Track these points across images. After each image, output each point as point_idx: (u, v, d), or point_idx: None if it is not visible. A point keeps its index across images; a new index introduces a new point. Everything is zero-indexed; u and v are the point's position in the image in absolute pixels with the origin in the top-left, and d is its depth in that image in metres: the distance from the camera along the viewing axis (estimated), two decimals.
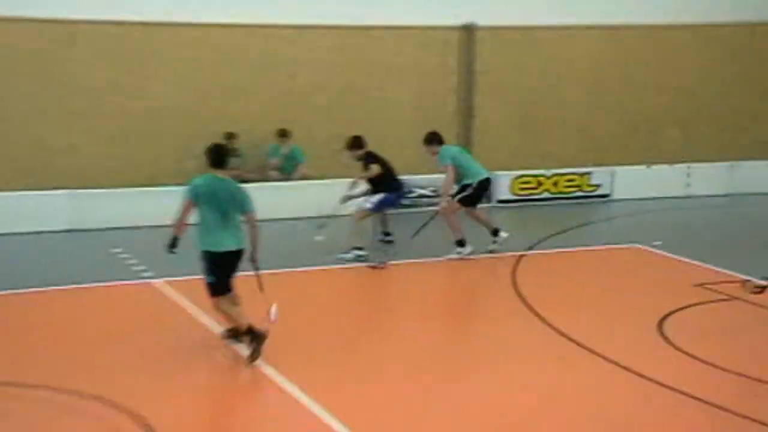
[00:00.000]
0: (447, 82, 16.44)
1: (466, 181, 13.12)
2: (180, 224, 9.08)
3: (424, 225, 13.38)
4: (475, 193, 12.99)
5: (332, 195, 13.37)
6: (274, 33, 15.28)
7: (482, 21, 16.14)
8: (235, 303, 8.81)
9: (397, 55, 15.91)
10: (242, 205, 9.13)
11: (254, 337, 8.53)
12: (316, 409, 7.65)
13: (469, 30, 16.19)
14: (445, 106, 16.24)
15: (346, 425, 7.38)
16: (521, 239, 13.71)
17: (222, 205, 9.03)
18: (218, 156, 9.24)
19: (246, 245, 8.92)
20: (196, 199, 9.01)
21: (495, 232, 12.88)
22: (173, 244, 9.08)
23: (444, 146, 13.43)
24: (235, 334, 8.80)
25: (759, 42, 18.25)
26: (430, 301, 11.92)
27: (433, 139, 13.09)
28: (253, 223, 9.16)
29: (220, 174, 9.12)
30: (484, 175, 13.29)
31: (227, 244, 8.92)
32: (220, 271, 8.93)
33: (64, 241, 14.06)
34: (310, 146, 15.46)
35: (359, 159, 12.74)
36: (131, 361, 8.85)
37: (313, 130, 15.42)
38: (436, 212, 13.45)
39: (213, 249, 8.89)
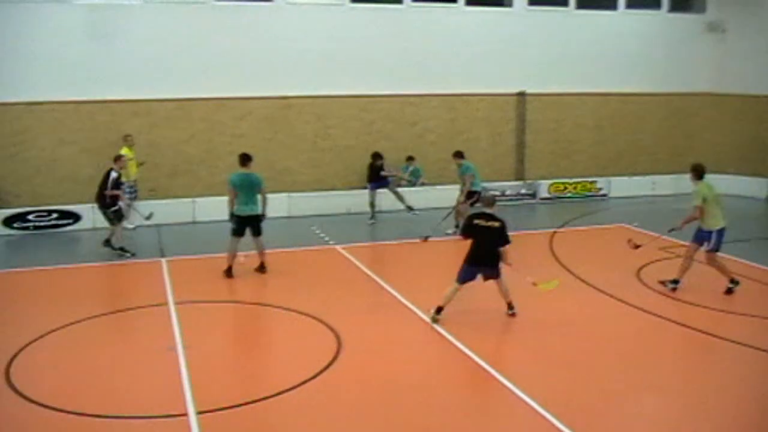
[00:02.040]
0: (508, 126, 21.26)
1: (474, 189, 16.26)
2: (231, 202, 13.03)
3: (449, 214, 16.97)
4: (477, 198, 15.52)
5: (440, 194, 18.99)
6: (404, 99, 20.11)
7: (530, 90, 21.12)
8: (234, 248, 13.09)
9: (479, 110, 20.87)
10: (259, 186, 13.12)
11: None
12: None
13: (521, 95, 21.09)
14: (508, 141, 21.26)
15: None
16: (555, 221, 18.22)
17: (247, 188, 13.04)
18: (243, 160, 13.27)
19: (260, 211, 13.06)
20: (234, 187, 13.04)
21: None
22: (231, 216, 13.11)
23: (465, 161, 16.64)
24: None
25: (688, 103, 23.16)
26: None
27: (460, 155, 16.60)
28: (264, 196, 13.15)
29: (245, 170, 13.20)
30: (480, 187, 16.36)
31: (248, 210, 13.11)
32: (241, 225, 13.13)
33: (285, 223, 18.10)
34: (425, 165, 20.05)
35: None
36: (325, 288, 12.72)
37: (429, 156, 20.21)
38: (456, 206, 16.77)
39: (239, 213, 13.10)
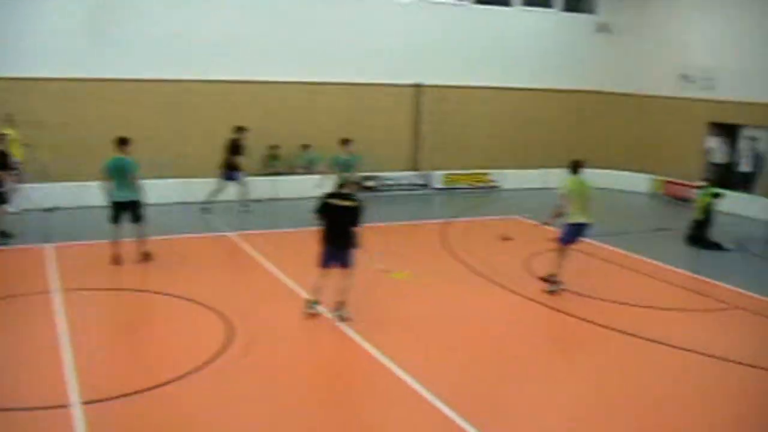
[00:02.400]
0: (404, 117, 21.61)
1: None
2: (105, 187, 12.90)
3: None
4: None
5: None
6: (303, 87, 19.98)
7: (428, 82, 21.51)
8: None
9: (376, 100, 21.04)
10: (131, 171, 12.78)
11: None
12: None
13: (417, 86, 21.52)
14: (403, 132, 21.63)
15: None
16: (448, 212, 18.65)
17: (119, 173, 12.77)
18: (119, 143, 12.83)
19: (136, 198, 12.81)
20: (107, 171, 12.73)
21: None
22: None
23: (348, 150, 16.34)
24: None
25: (579, 100, 24.02)
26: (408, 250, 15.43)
27: (348, 141, 16.22)
28: (136, 182, 12.87)
29: (120, 154, 12.84)
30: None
31: (122, 196, 12.85)
32: (116, 211, 12.89)
33: (181, 210, 17.81)
34: (324, 154, 19.11)
35: None
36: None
37: (326, 144, 19.03)
38: None
39: (114, 199, 12.89)
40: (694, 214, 16.65)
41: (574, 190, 12.54)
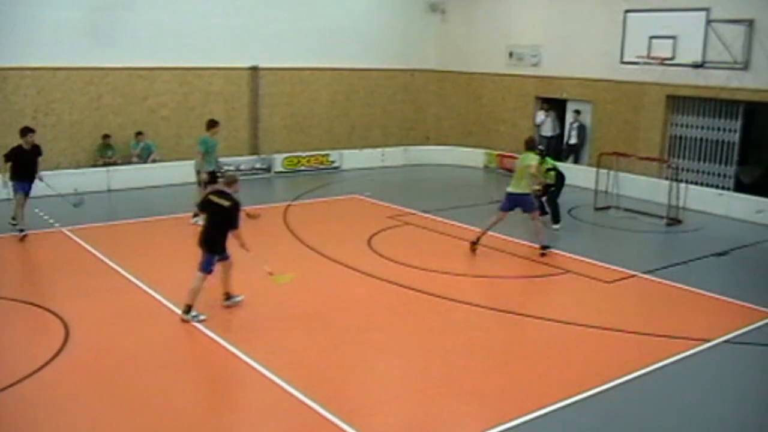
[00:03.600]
0: (242, 101, 21.39)
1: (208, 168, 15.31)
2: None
3: None
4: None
5: (176, 171, 18.95)
6: (133, 73, 19.46)
7: (264, 64, 21.35)
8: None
9: (212, 85, 20.82)
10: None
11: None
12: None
13: (255, 69, 21.31)
14: (242, 116, 21.35)
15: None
16: (290, 194, 18.64)
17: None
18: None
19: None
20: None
21: None
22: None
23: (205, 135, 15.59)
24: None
25: (416, 80, 24.84)
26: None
27: (213, 124, 15.45)
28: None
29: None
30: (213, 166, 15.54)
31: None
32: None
33: (1, 207, 15.46)
34: (158, 141, 20.00)
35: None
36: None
37: (161, 132, 20.11)
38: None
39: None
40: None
41: (517, 165, 14.30)
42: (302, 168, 22.36)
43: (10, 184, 14.22)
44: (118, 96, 19.70)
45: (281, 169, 21.96)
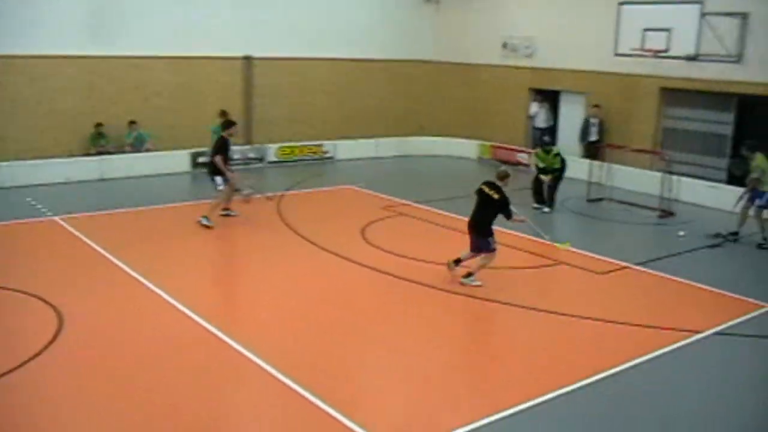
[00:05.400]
0: (235, 90, 21.29)
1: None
2: None
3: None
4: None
5: (169, 161, 19.55)
6: (127, 62, 19.38)
7: (259, 54, 21.25)
8: None
9: (207, 74, 20.72)
10: None
11: None
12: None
13: (247, 59, 21.25)
14: (235, 105, 20.73)
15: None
16: (283, 184, 18.57)
17: None
18: None
19: None
20: None
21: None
22: None
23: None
24: None
25: (410, 70, 24.65)
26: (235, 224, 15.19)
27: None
28: None
29: None
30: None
31: None
32: None
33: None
34: (153, 131, 19.78)
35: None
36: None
37: (155, 121, 19.91)
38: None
39: None
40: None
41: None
42: (296, 158, 22.33)
43: None
44: (112, 85, 19.60)
45: (275, 159, 21.92)
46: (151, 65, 20.01)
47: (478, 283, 11.66)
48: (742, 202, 14.99)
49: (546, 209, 17.10)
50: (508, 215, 11.67)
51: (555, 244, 13.46)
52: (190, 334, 9.71)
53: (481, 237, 11.70)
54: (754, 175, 14.62)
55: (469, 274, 11.76)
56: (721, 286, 12.17)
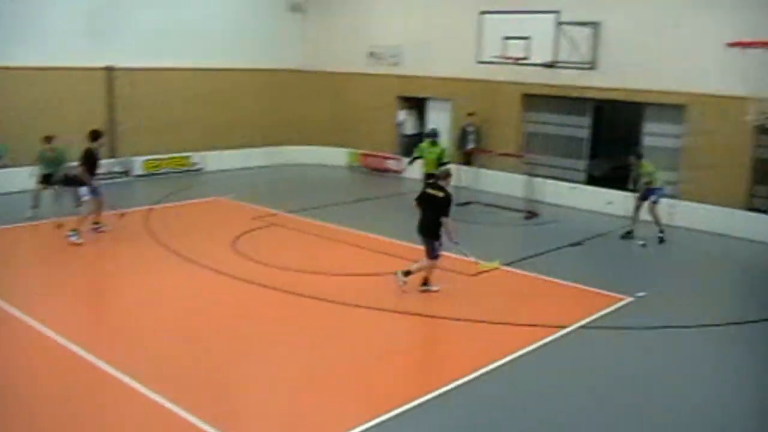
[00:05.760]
0: (98, 102, 20.54)
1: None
2: None
3: None
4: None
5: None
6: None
7: (121, 64, 20.65)
8: None
9: (66, 85, 19.72)
10: None
11: None
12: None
13: (110, 70, 20.61)
14: (98, 118, 19.73)
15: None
16: (151, 198, 18.17)
17: None
18: None
19: None
20: None
21: None
22: None
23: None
24: None
25: (277, 79, 24.32)
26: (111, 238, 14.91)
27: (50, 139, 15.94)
28: None
29: None
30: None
31: None
32: None
33: None
34: (11, 145, 18.58)
35: None
36: None
37: (11, 134, 18.60)
38: None
39: None
40: (427, 167, 17.21)
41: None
42: (164, 171, 21.87)
43: None
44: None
45: (142, 172, 21.41)
46: (5, 76, 19.01)
47: (436, 288, 12.09)
48: (642, 203, 16.05)
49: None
50: (447, 214, 11.71)
51: (479, 264, 12.74)
52: (55, 358, 9.27)
53: (429, 240, 11.88)
54: (644, 179, 15.72)
55: (424, 282, 12.11)
56: (584, 281, 12.69)
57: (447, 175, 12.14)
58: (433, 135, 17.52)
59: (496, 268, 12.99)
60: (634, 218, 16.04)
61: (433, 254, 11.90)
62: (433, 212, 11.76)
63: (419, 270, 12.06)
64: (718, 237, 16.56)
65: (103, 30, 20.23)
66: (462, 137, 21.04)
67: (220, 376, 8.96)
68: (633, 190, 16.31)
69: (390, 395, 8.49)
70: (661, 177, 16.07)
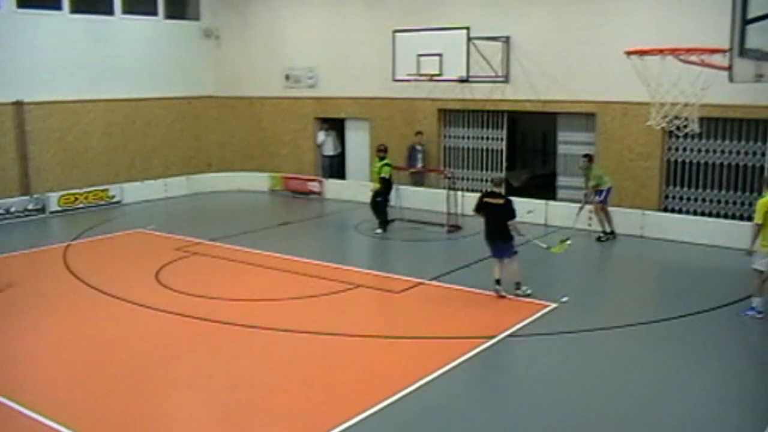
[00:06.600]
0: (7, 138, 19.91)
1: None
2: None
3: None
4: None
5: None
6: None
7: (30, 98, 20.10)
8: None
9: None
10: None
11: None
12: None
13: (19, 104, 20.01)
14: (8, 153, 19.84)
15: None
16: (69, 234, 17.80)
17: None
18: None
19: None
20: None
21: None
22: None
23: None
24: None
25: (195, 107, 24.20)
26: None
27: None
28: None
29: None
30: None
31: None
32: None
33: None
34: None
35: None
36: None
37: None
38: None
39: None
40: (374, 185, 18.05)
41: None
42: (81, 205, 21.34)
43: None
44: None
45: (57, 209, 20.85)
46: None
47: (530, 290, 12.61)
48: (587, 206, 17.10)
49: (378, 230, 17.75)
50: (512, 216, 12.48)
51: (551, 249, 13.74)
52: None
53: (503, 243, 12.55)
54: (592, 182, 16.70)
55: (517, 285, 12.61)
56: (511, 291, 12.79)
57: (501, 181, 13.38)
58: (381, 150, 18.04)
59: (569, 247, 13.63)
60: (597, 218, 16.97)
61: (511, 252, 12.61)
62: (499, 218, 12.48)
63: (515, 273, 12.62)
64: (635, 239, 17.02)
65: (11, 64, 19.82)
66: (410, 156, 21.06)
67: (140, 410, 8.74)
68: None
69: (319, 417, 8.42)
70: (608, 180, 16.87)
